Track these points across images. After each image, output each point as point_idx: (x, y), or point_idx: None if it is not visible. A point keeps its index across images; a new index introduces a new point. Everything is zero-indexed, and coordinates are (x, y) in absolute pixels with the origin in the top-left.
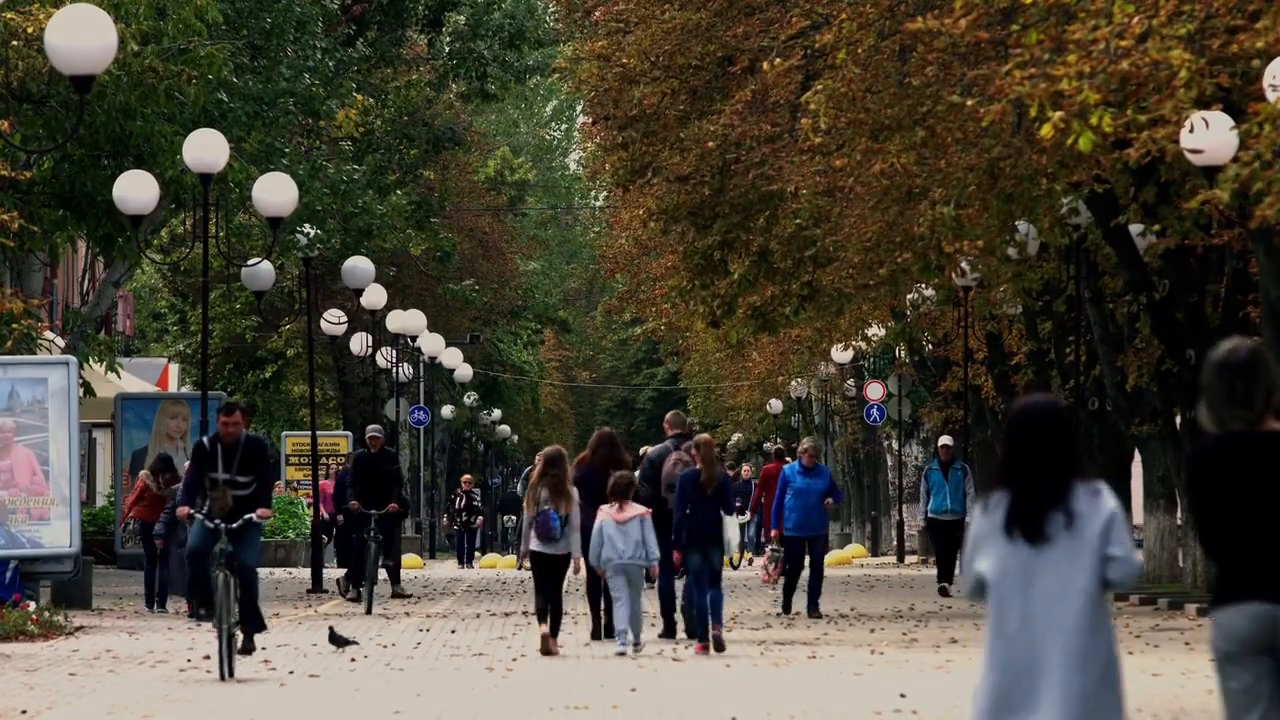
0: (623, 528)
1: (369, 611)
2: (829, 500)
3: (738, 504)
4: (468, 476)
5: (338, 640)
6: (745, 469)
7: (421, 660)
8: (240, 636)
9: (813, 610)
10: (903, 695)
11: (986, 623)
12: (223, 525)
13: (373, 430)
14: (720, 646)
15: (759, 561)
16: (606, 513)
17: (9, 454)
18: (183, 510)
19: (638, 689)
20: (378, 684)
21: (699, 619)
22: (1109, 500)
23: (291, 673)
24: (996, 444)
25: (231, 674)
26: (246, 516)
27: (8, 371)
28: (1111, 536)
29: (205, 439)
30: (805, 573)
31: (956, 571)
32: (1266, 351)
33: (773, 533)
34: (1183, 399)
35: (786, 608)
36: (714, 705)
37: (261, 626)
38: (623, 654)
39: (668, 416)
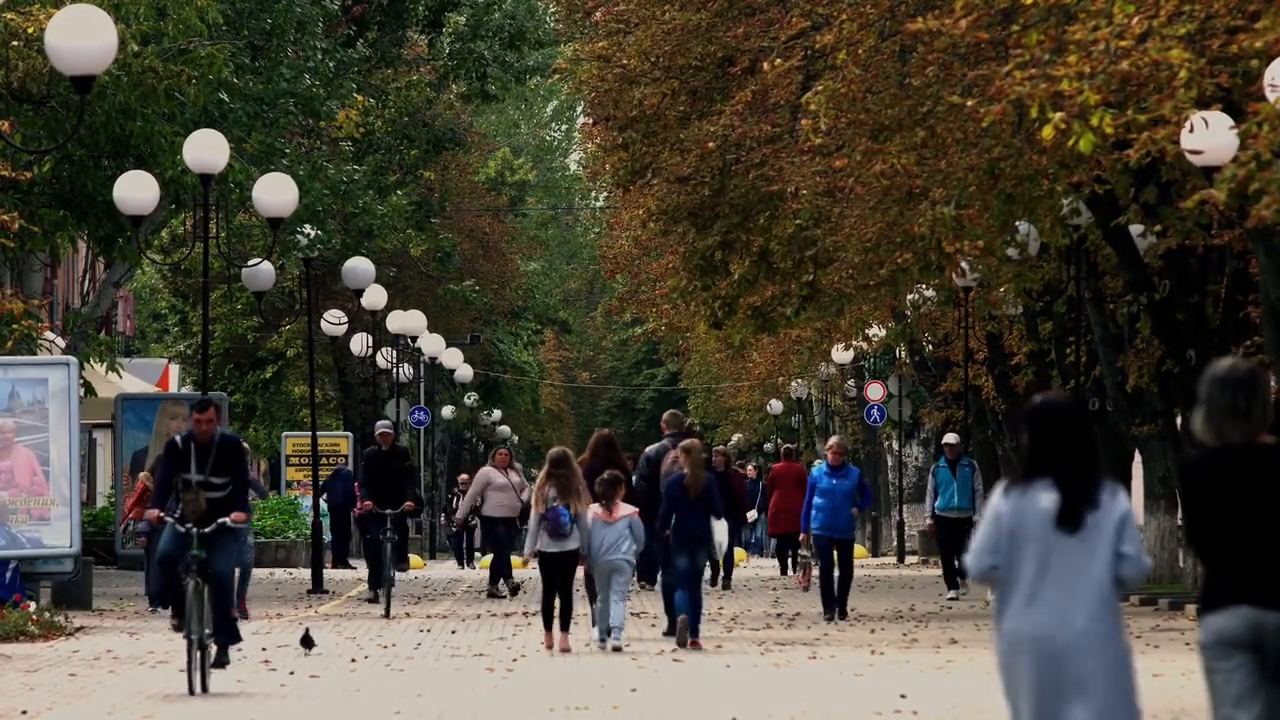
0: (612, 526)
1: (388, 615)
2: (855, 508)
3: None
4: (464, 476)
5: (307, 642)
6: (750, 469)
7: (422, 661)
8: (213, 648)
9: (840, 610)
10: (903, 696)
11: (998, 601)
12: (194, 530)
13: (382, 426)
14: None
15: (756, 561)
16: (596, 512)
17: (9, 454)
18: (153, 513)
19: (638, 689)
20: (378, 684)
21: (688, 618)
22: (1124, 501)
23: (292, 673)
24: (997, 444)
25: (205, 688)
26: (220, 521)
27: (8, 372)
28: (1124, 535)
29: (178, 437)
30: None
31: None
32: (1263, 370)
33: (802, 536)
34: (1183, 400)
35: (829, 610)
36: (714, 705)
37: (235, 638)
38: (618, 649)
39: (665, 416)
